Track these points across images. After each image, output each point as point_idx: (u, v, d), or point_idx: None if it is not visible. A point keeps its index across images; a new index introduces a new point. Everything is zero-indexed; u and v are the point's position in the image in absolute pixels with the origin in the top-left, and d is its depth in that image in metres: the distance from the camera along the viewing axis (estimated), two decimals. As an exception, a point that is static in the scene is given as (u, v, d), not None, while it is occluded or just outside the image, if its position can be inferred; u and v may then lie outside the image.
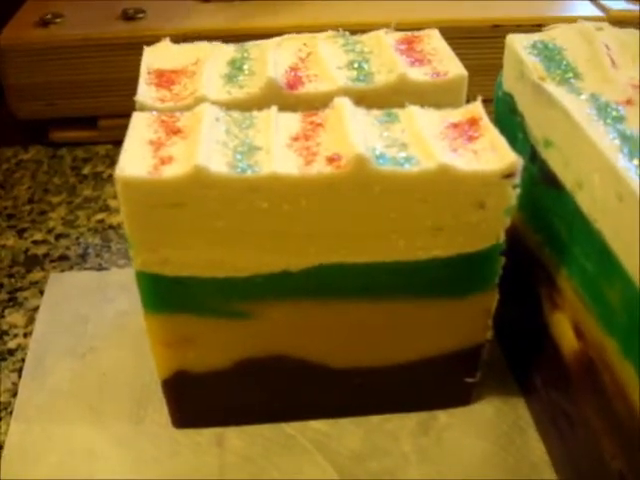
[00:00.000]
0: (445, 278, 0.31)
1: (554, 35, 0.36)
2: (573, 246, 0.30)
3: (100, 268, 0.45)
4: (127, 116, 0.30)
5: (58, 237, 0.47)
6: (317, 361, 0.33)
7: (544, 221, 0.33)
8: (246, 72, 0.33)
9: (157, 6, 0.56)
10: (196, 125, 0.29)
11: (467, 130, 0.29)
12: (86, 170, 0.53)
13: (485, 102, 0.35)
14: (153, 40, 0.52)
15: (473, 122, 0.30)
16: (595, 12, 0.56)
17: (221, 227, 0.28)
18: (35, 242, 0.47)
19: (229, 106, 0.31)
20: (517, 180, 0.28)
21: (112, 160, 0.54)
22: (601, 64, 0.33)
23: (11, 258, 0.45)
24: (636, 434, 0.26)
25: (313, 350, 0.33)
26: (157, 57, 0.34)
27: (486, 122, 0.30)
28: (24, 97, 0.54)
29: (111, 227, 0.48)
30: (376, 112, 0.30)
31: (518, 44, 0.35)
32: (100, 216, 0.49)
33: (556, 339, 0.32)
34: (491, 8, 0.56)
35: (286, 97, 0.31)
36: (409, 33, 0.36)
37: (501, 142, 0.29)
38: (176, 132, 0.29)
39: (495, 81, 0.37)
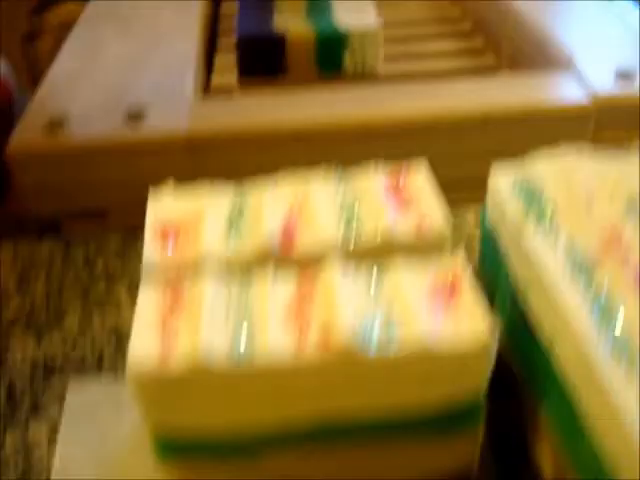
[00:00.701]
0: (432, 424, 0.33)
1: (535, 174, 0.37)
2: (549, 394, 0.33)
3: (115, 372, 0.47)
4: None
5: (75, 342, 0.50)
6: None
7: (525, 359, 0.36)
8: (242, 230, 0.36)
9: (159, 103, 0.58)
10: (199, 298, 0.32)
11: (448, 296, 0.32)
12: (99, 267, 0.56)
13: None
14: (156, 144, 0.54)
15: (454, 286, 0.32)
16: (580, 97, 0.57)
17: (224, 405, 0.31)
18: (53, 347, 0.49)
19: (229, 264, 0.34)
20: (494, 344, 0.31)
21: (123, 256, 0.57)
22: (579, 207, 0.35)
23: (30, 364, 0.48)
24: None
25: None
26: (160, 211, 0.37)
27: (466, 285, 0.32)
28: (34, 199, 0.57)
29: (124, 333, 0.50)
30: (363, 275, 0.33)
31: (501, 184, 0.37)
32: (113, 319, 0.51)
33: (538, 463, 0.35)
34: (478, 95, 0.58)
35: (281, 259, 0.34)
36: (397, 168, 0.39)
37: (479, 310, 0.31)
38: (180, 307, 0.32)
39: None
